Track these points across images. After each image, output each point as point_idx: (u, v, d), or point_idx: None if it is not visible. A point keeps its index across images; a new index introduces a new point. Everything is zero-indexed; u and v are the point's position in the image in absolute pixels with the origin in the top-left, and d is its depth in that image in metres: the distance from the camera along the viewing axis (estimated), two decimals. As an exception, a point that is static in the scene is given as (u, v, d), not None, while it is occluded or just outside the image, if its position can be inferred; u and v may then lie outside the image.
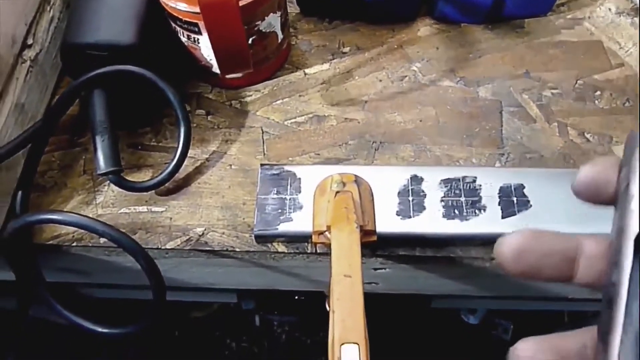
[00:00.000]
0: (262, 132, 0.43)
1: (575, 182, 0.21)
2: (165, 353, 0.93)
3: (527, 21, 0.49)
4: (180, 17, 0.38)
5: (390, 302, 0.54)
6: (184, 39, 0.41)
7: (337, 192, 0.36)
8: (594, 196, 0.21)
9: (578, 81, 0.45)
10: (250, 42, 0.40)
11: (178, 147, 0.39)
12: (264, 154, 0.42)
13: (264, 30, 0.41)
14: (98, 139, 0.38)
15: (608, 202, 0.21)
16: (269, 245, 0.39)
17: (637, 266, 0.19)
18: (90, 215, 0.40)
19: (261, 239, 0.38)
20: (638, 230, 0.19)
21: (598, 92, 0.45)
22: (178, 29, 0.40)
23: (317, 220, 0.36)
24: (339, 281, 0.30)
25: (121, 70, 0.38)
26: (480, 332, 0.90)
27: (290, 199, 0.38)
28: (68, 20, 0.40)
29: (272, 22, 0.41)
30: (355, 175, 0.38)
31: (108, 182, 0.41)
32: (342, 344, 0.28)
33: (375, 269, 0.41)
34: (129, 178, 0.41)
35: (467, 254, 0.38)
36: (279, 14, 0.41)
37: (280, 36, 0.43)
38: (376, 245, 0.38)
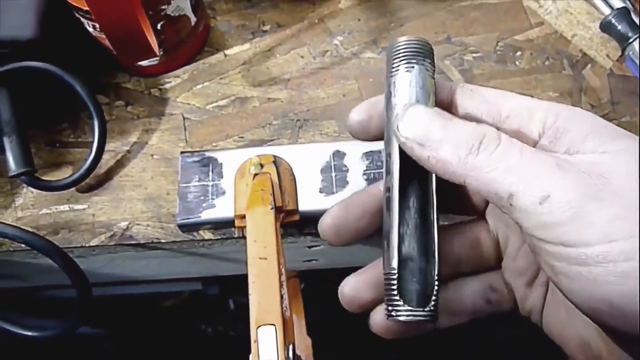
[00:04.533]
0: (184, 119, 0.42)
1: (347, 126, 0.26)
2: (141, 345, 0.92)
3: (447, -14, 0.48)
4: (80, 6, 0.37)
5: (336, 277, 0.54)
6: (90, 29, 0.39)
7: (256, 174, 0.36)
8: (364, 134, 0.26)
9: (499, 43, 0.45)
10: (159, 27, 0.39)
11: (93, 142, 0.38)
12: (186, 141, 0.41)
13: (172, 15, 0.39)
14: (6, 140, 0.36)
15: (376, 136, 0.26)
16: (195, 233, 0.38)
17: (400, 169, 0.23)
18: (10, 220, 0.39)
19: (185, 227, 0.38)
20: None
21: (519, 53, 0.45)
22: (81, 19, 0.39)
23: (237, 204, 0.36)
24: (254, 264, 0.30)
25: (23, 67, 0.37)
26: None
27: (212, 185, 0.38)
28: (-37, 17, 0.38)
29: (180, 5, 0.39)
30: (274, 156, 0.37)
31: (26, 183, 0.39)
32: (259, 326, 0.28)
33: (310, 247, 0.41)
34: (49, 177, 0.40)
35: (393, 225, 0.38)
36: (187, -5, 0.40)
37: (193, 19, 0.42)
38: (302, 224, 0.37)
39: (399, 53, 0.24)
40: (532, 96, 0.42)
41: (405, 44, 0.24)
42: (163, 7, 0.38)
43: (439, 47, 0.45)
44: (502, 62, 0.44)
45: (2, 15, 0.37)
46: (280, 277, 0.30)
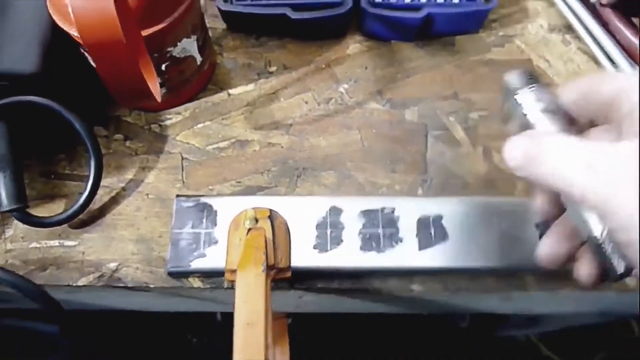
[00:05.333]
0: (182, 159, 0.42)
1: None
2: (125, 355, 0.91)
3: (458, 38, 0.48)
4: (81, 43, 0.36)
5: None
6: (94, 65, 0.39)
7: (250, 229, 0.35)
8: (582, 109, 0.27)
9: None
10: (163, 68, 0.39)
11: (88, 181, 0.38)
12: (183, 182, 0.41)
13: (178, 56, 0.39)
14: (0, 175, 0.36)
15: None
16: (185, 280, 0.38)
17: None
18: (-2, 251, 0.38)
19: (175, 275, 0.37)
20: None
21: (524, 114, 0.44)
22: (86, 54, 0.38)
23: (229, 257, 0.35)
24: (240, 330, 0.30)
25: (22, 101, 0.36)
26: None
27: (205, 234, 0.37)
28: (-34, 45, 0.37)
29: (186, 47, 0.39)
30: (270, 210, 0.37)
31: (17, 215, 0.39)
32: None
33: (301, 297, 0.41)
34: (41, 209, 0.40)
35: (384, 286, 0.38)
36: (193, 38, 0.39)
37: (199, 59, 0.41)
38: (294, 279, 0.37)
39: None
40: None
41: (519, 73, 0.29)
42: (169, 49, 0.38)
43: (445, 102, 0.45)
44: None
45: (5, 47, 0.36)
46: (266, 345, 0.30)
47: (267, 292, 0.32)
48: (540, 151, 0.25)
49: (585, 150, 0.24)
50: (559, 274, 0.38)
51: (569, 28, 0.49)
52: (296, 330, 0.54)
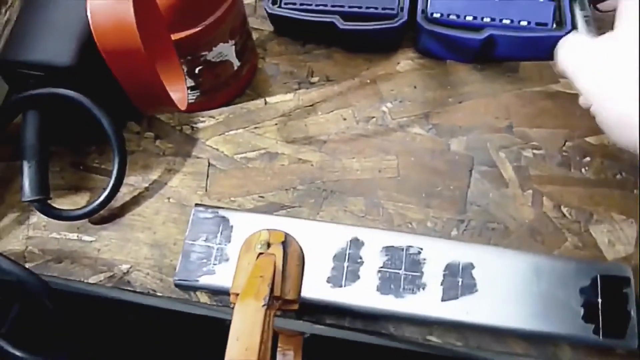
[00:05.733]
0: (209, 165, 0.41)
1: None
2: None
3: (522, 64, 0.43)
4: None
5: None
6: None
7: (260, 253, 0.33)
8: None
9: (567, 142, 0.40)
10: (196, 71, 0.37)
11: (111, 179, 0.37)
12: (206, 190, 0.40)
13: (213, 60, 0.37)
14: (25, 165, 0.36)
15: None
16: (192, 293, 0.36)
17: None
18: (20, 237, 0.39)
19: (181, 287, 0.36)
20: None
21: (587, 159, 0.39)
22: (122, 50, 0.37)
23: (236, 280, 0.34)
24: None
25: (55, 94, 0.36)
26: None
27: (217, 249, 0.36)
28: (10, 33, 0.38)
29: (223, 51, 0.37)
30: (286, 235, 0.35)
31: (42, 203, 0.39)
32: None
33: (311, 325, 0.39)
34: (66, 200, 0.40)
35: (399, 332, 0.35)
36: (231, 42, 0.37)
37: (237, 64, 0.40)
38: (301, 311, 0.35)
39: None
40: (591, 214, 0.37)
41: None
42: (203, 53, 0.36)
43: (497, 135, 0.40)
44: (565, 165, 0.39)
45: (44, 39, 0.36)
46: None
47: (265, 326, 0.30)
48: (560, 45, 0.34)
49: (586, 46, 0.32)
50: (602, 350, 0.33)
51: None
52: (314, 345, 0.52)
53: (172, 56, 0.33)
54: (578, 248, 0.36)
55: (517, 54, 0.43)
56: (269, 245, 0.34)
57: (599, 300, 0.33)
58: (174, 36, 0.33)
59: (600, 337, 0.32)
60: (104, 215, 0.39)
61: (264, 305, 0.30)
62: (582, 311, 0.33)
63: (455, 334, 0.34)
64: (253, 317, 0.30)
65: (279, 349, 0.53)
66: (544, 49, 0.42)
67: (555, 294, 0.33)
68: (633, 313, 0.32)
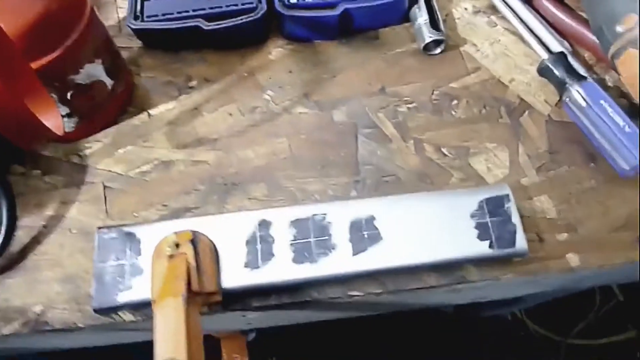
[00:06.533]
0: (104, 188, 0.40)
1: None
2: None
3: (381, 31, 0.47)
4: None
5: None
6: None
7: (171, 256, 0.34)
8: None
9: (434, 91, 0.44)
10: (68, 97, 0.37)
11: (1, 227, 0.36)
12: (107, 213, 0.39)
13: (83, 83, 0.37)
14: None
15: None
16: (115, 315, 0.36)
17: None
18: None
19: (102, 312, 0.35)
20: None
21: (455, 102, 0.43)
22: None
23: (154, 287, 0.34)
24: (160, 369, 0.28)
25: None
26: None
27: (129, 265, 0.36)
28: None
29: (91, 72, 0.37)
30: (194, 233, 0.35)
31: None
32: None
33: (244, 315, 0.39)
34: (-42, 258, 0.38)
35: (323, 295, 0.36)
36: (98, 61, 0.38)
37: (110, 82, 0.40)
38: (227, 302, 0.36)
39: None
40: (468, 149, 0.41)
41: None
42: (71, 77, 0.36)
43: (373, 99, 0.43)
44: (437, 112, 0.43)
45: None
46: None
47: (190, 322, 0.30)
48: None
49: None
50: (501, 262, 0.37)
51: (494, 9, 0.48)
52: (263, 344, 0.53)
53: (35, 84, 0.33)
54: (463, 180, 0.40)
55: (374, 23, 0.46)
56: (177, 246, 0.34)
57: (488, 219, 0.37)
58: (35, 64, 0.32)
59: (496, 249, 0.36)
60: (4, 264, 0.38)
61: (183, 301, 0.31)
62: (476, 232, 0.36)
63: (373, 283, 0.36)
64: (175, 315, 0.30)
65: (223, 355, 0.53)
66: (397, 14, 0.46)
67: (450, 223, 0.37)
68: (517, 222, 0.36)
